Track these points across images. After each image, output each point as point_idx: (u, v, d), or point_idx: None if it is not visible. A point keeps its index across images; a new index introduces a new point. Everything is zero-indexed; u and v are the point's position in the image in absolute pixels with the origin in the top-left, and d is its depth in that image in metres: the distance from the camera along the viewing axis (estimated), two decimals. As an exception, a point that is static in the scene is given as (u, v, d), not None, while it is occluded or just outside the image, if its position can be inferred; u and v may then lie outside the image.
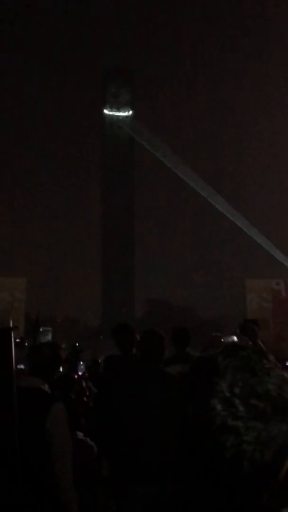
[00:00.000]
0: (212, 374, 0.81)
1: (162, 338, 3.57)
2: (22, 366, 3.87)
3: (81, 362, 8.38)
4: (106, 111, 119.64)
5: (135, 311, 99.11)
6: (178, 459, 0.84)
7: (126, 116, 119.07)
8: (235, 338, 4.97)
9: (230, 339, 4.94)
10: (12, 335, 2.36)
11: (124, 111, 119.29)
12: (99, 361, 10.14)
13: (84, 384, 6.02)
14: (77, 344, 10.75)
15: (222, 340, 5.13)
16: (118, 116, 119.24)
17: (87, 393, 5.79)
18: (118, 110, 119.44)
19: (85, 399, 5.35)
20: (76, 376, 6.01)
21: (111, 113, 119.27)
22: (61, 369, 3.67)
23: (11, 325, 2.40)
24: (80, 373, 7.34)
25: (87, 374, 7.67)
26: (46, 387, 2.95)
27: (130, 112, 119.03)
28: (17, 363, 2.38)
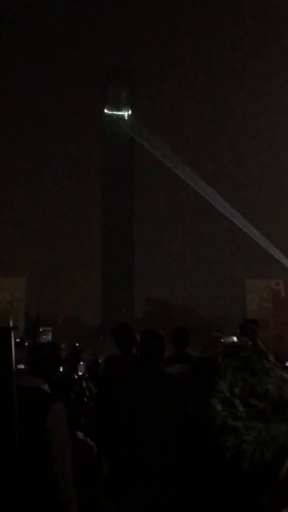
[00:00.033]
0: (212, 374, 0.81)
1: (162, 338, 3.57)
2: (22, 366, 3.87)
3: (81, 362, 8.37)
4: (106, 111, 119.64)
5: (135, 311, 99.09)
6: (178, 459, 0.84)
7: (126, 116, 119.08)
8: (235, 338, 4.97)
9: (230, 339, 4.94)
10: (12, 335, 2.36)
11: (124, 111, 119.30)
12: (99, 361, 10.14)
13: (84, 384, 6.03)
14: (77, 344, 10.74)
15: (222, 340, 5.14)
16: (118, 116, 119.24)
17: (87, 393, 5.80)
18: (118, 110, 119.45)
19: (85, 399, 5.35)
20: (76, 376, 6.01)
21: (111, 113, 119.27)
22: (61, 369, 3.68)
23: (11, 325, 2.40)
24: (80, 373, 7.33)
25: (87, 374, 7.66)
26: (46, 387, 2.95)
27: (130, 112, 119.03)
28: (17, 363, 2.38)
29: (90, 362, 10.51)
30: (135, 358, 3.96)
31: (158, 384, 3.31)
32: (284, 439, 0.78)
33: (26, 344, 8.49)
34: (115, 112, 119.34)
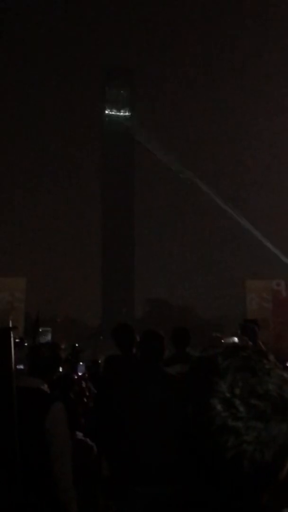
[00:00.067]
0: (212, 374, 0.81)
1: (162, 338, 3.57)
2: (21, 366, 3.87)
3: (81, 363, 8.37)
4: (106, 111, 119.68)
5: (135, 311, 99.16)
6: (178, 459, 0.84)
7: (126, 116, 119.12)
8: (235, 339, 4.97)
9: (230, 340, 4.94)
10: (12, 335, 2.36)
11: (124, 111, 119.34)
12: (99, 361, 10.14)
13: (84, 384, 6.03)
14: (76, 345, 10.74)
15: (222, 340, 5.14)
16: (118, 116, 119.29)
17: (87, 393, 5.80)
18: (118, 110, 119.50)
19: (84, 399, 5.35)
20: (76, 377, 6.01)
21: (111, 113, 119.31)
22: (60, 370, 3.67)
23: (10, 325, 2.40)
24: (80, 374, 7.33)
25: (87, 375, 7.66)
26: (45, 387, 2.95)
27: (130, 112, 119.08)
28: (16, 363, 2.38)
29: (90, 362, 10.51)
30: (135, 358, 3.96)
31: (158, 384, 3.31)
32: (284, 439, 0.78)
33: (26, 344, 8.49)
34: (115, 112, 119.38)
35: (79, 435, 3.88)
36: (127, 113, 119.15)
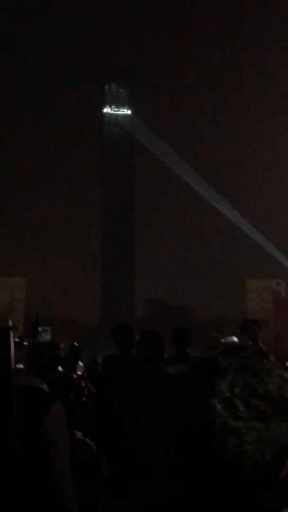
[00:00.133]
0: (212, 374, 0.81)
1: (162, 338, 3.57)
2: (21, 366, 3.87)
3: (80, 362, 8.37)
4: (105, 111, 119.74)
5: (135, 311, 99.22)
6: (178, 459, 0.84)
7: (126, 116, 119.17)
8: (235, 339, 4.97)
9: (230, 340, 4.94)
10: (12, 334, 2.36)
11: (123, 111, 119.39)
12: (98, 360, 10.14)
13: (83, 383, 6.02)
14: (76, 344, 10.75)
15: (223, 340, 5.14)
16: (117, 116, 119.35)
17: (86, 393, 5.79)
18: (118, 110, 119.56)
19: (84, 398, 5.35)
20: (75, 376, 6.01)
21: (111, 112, 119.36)
22: (60, 369, 3.67)
23: (10, 324, 2.40)
24: (79, 373, 7.33)
25: (86, 374, 7.66)
26: (45, 387, 2.95)
27: (130, 112, 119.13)
28: (16, 363, 2.38)
29: (89, 361, 10.51)
30: (134, 358, 3.96)
31: (158, 384, 3.31)
32: (285, 439, 0.77)
33: (25, 344, 8.49)
34: (115, 112, 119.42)
35: (78, 434, 3.87)
36: (127, 113, 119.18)
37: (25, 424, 2.43)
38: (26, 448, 2.40)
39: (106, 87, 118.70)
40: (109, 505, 3.98)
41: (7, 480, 2.30)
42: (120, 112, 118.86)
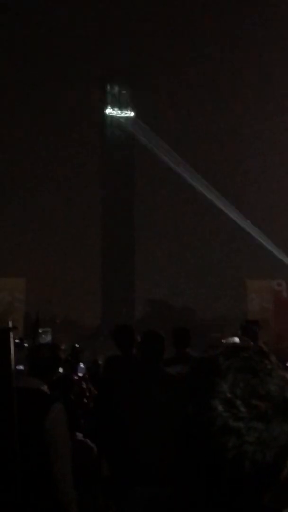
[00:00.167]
0: (213, 374, 0.81)
1: (162, 338, 3.58)
2: (21, 367, 3.87)
3: (81, 364, 8.37)
4: (106, 111, 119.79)
5: (135, 312, 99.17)
6: (178, 460, 0.84)
7: (127, 116, 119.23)
8: (236, 339, 4.97)
9: (231, 340, 4.94)
10: (12, 335, 2.36)
11: (124, 111, 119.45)
12: (99, 362, 10.14)
13: (84, 385, 6.03)
14: (76, 345, 10.74)
15: (224, 341, 5.14)
16: (118, 116, 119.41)
17: (87, 394, 5.80)
18: (119, 110, 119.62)
19: (85, 400, 5.35)
20: (76, 378, 6.01)
21: (111, 112, 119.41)
22: (60, 370, 3.67)
23: (10, 325, 2.40)
24: (80, 374, 7.33)
25: (87, 375, 7.66)
26: (45, 388, 2.95)
27: (131, 112, 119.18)
28: (16, 364, 2.38)
29: (90, 363, 10.52)
30: (135, 359, 3.96)
31: (158, 385, 3.32)
32: (285, 440, 0.77)
33: (26, 345, 8.49)
34: (115, 112, 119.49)
35: (79, 436, 3.88)
36: (127, 113, 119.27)
37: (26, 425, 2.43)
38: (26, 449, 2.40)
39: (108, 87, 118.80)
40: (109, 505, 3.99)
41: (7, 481, 2.30)
42: (120, 112, 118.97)
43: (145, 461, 3.08)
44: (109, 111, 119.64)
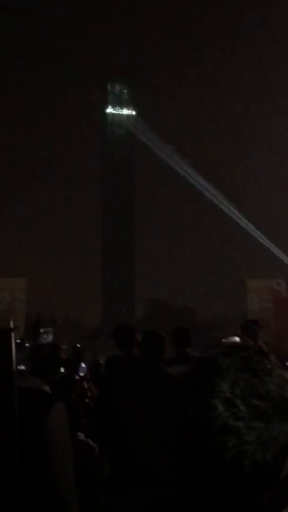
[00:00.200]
0: (213, 374, 0.81)
1: (163, 338, 3.58)
2: (22, 367, 3.88)
3: (83, 364, 8.37)
4: (107, 111, 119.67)
5: (135, 312, 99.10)
6: (179, 459, 0.84)
7: (127, 116, 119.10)
8: (237, 339, 4.97)
9: (232, 340, 4.94)
10: (13, 335, 2.36)
11: (125, 111, 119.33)
12: (100, 362, 10.14)
13: (85, 385, 6.03)
14: (78, 345, 10.75)
15: (223, 340, 5.14)
16: (119, 116, 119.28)
17: (89, 394, 5.80)
18: (119, 110, 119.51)
19: (86, 400, 5.36)
20: (77, 377, 6.01)
21: (112, 112, 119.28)
22: (62, 370, 3.68)
23: (11, 325, 2.40)
24: (81, 374, 7.33)
25: (88, 375, 7.66)
26: (46, 388, 2.95)
27: (131, 112, 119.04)
28: (17, 364, 2.38)
29: (91, 363, 10.52)
30: (136, 359, 3.96)
31: (159, 385, 3.32)
32: (285, 439, 0.78)
33: (27, 345, 8.49)
34: (115, 112, 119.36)
35: (81, 436, 3.88)
36: (128, 112, 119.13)
37: (27, 425, 2.44)
38: (27, 449, 2.40)
39: (109, 87, 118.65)
40: (110, 505, 3.99)
41: (7, 481, 2.30)
42: (120, 112, 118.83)
43: (146, 461, 3.08)
44: (109, 110, 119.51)
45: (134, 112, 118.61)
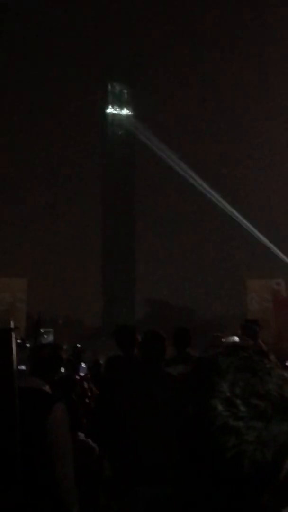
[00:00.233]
0: (213, 374, 0.81)
1: (163, 338, 3.58)
2: (23, 367, 3.88)
3: (83, 364, 8.37)
4: (106, 111, 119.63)
5: (135, 312, 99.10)
6: (179, 459, 0.84)
7: (127, 116, 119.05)
8: (236, 338, 4.98)
9: (232, 339, 4.95)
10: (13, 335, 2.36)
11: (124, 111, 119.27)
12: (100, 362, 10.14)
13: (85, 385, 6.03)
14: (78, 345, 10.74)
15: (223, 340, 5.14)
16: (118, 116, 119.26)
17: (89, 394, 5.80)
18: (119, 110, 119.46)
19: (86, 400, 5.36)
20: (78, 377, 6.01)
21: (112, 112, 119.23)
22: (62, 370, 3.68)
23: (12, 325, 2.40)
24: (82, 374, 7.33)
25: (88, 375, 7.66)
26: (47, 388, 2.95)
27: (131, 112, 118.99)
28: (18, 364, 2.38)
29: (92, 363, 10.52)
30: (136, 359, 3.96)
31: (159, 385, 3.32)
32: (285, 439, 0.78)
33: (28, 345, 8.49)
34: (115, 112, 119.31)
35: (81, 436, 3.88)
36: (128, 112, 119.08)
37: (28, 425, 2.44)
38: (28, 450, 2.40)
39: (109, 87, 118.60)
40: (111, 505, 3.99)
41: (7, 481, 2.31)
42: (120, 112, 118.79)
43: (146, 461, 3.09)
44: (109, 110, 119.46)
45: (134, 112, 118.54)
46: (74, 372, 6.50)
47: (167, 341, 3.70)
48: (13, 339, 2.35)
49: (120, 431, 3.29)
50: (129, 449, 3.22)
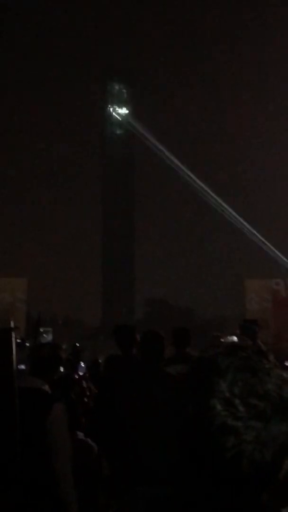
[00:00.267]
0: (212, 374, 0.81)
1: (162, 338, 3.58)
2: (23, 367, 3.88)
3: (82, 363, 8.37)
4: (106, 111, 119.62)
5: (135, 312, 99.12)
6: (178, 459, 0.84)
7: (127, 115, 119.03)
8: (235, 338, 4.98)
9: (230, 339, 4.95)
10: (13, 335, 2.36)
11: (124, 110, 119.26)
12: (100, 361, 10.14)
13: (84, 384, 6.03)
14: (77, 345, 10.73)
15: (222, 340, 5.14)
16: (118, 115, 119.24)
17: (88, 394, 5.80)
18: (119, 109, 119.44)
19: (85, 399, 5.35)
20: (76, 377, 6.01)
21: (111, 112, 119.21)
22: (61, 370, 3.68)
23: (12, 325, 2.40)
24: (81, 374, 7.33)
25: (87, 375, 7.66)
26: (46, 388, 2.95)
27: (131, 111, 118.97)
28: (18, 364, 2.38)
29: (91, 362, 10.51)
30: (135, 359, 3.96)
31: (158, 384, 3.32)
32: (284, 439, 0.78)
33: (27, 344, 8.49)
34: (115, 111, 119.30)
35: (80, 435, 3.88)
36: (127, 112, 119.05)
37: (27, 424, 2.44)
38: (27, 449, 2.41)
39: (108, 86, 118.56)
40: (110, 505, 3.99)
41: (7, 480, 2.31)
42: (120, 112, 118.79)
43: (146, 461, 3.09)
44: (109, 110, 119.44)
45: (133, 112, 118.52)
46: (73, 371, 6.50)
47: (166, 341, 3.70)
48: (13, 339, 2.35)
49: (120, 430, 3.30)
50: (129, 448, 3.22)
